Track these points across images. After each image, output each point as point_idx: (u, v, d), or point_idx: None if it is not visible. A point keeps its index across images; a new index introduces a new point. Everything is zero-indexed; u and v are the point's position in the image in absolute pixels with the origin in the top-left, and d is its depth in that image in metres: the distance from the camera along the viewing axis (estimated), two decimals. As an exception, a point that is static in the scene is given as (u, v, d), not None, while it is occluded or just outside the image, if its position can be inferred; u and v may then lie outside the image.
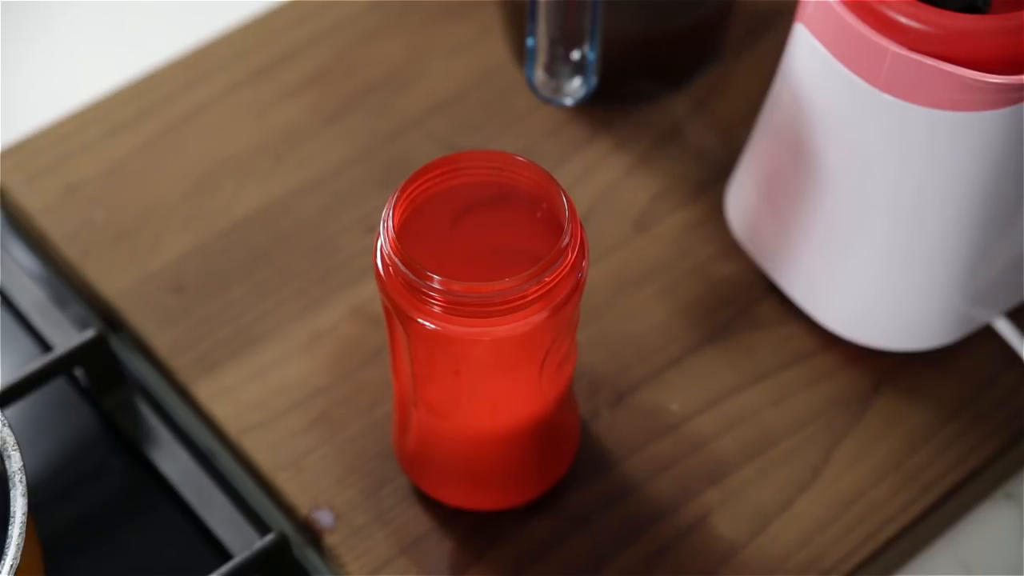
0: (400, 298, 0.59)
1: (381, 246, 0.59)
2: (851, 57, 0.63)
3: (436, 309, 0.58)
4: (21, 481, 0.58)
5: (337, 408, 0.71)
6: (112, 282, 0.75)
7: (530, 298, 0.58)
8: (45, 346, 0.74)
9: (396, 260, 0.58)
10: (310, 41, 0.84)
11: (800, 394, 0.72)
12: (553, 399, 0.64)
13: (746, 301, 0.74)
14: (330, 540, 0.68)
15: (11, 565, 0.55)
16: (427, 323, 0.58)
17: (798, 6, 0.66)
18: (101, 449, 0.72)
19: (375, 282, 0.60)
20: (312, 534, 0.68)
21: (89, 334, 0.71)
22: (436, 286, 0.57)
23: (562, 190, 0.59)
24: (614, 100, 0.80)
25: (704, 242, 0.76)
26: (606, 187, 0.78)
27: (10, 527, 0.56)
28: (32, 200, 0.78)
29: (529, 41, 0.70)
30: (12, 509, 0.57)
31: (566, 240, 0.58)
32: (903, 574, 0.70)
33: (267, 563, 0.66)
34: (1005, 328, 0.72)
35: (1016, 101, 0.61)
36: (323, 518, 0.68)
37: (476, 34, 0.84)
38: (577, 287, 0.59)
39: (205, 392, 0.72)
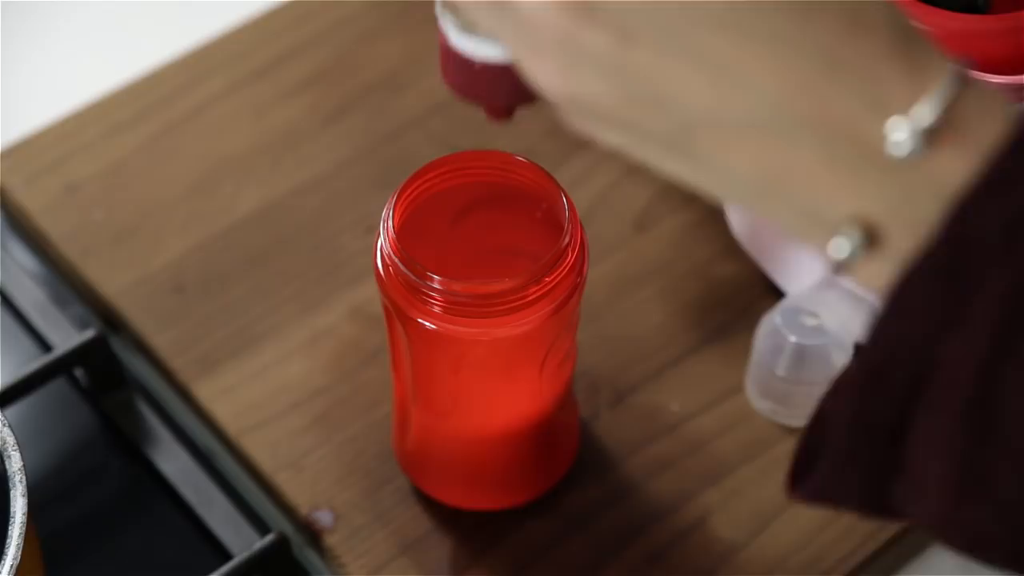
0: (400, 298, 0.59)
1: (381, 246, 0.59)
2: (851, 57, 0.63)
3: (436, 309, 0.58)
4: (21, 481, 0.58)
5: (337, 408, 0.71)
6: (112, 282, 0.75)
7: (530, 298, 0.58)
8: (45, 346, 0.74)
9: (396, 260, 0.58)
10: (310, 41, 0.84)
11: (800, 394, 0.72)
12: (553, 399, 0.64)
13: (746, 301, 0.74)
14: (330, 540, 0.68)
15: (11, 565, 0.55)
16: (427, 323, 0.58)
17: (798, 6, 0.66)
18: (101, 449, 0.72)
19: (375, 282, 0.60)
20: (312, 534, 0.68)
21: (89, 334, 0.71)
22: (436, 286, 0.57)
23: (562, 190, 0.59)
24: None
25: (704, 242, 0.76)
26: (606, 187, 0.78)
27: (10, 527, 0.56)
28: (32, 200, 0.78)
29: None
30: (12, 509, 0.57)
31: (566, 240, 0.58)
32: (903, 574, 0.70)
33: (267, 563, 0.66)
34: (1005, 328, 0.72)
35: (1016, 101, 0.61)
36: (323, 518, 0.68)
37: (476, 34, 0.84)
38: (577, 287, 0.59)
39: (205, 392, 0.72)
